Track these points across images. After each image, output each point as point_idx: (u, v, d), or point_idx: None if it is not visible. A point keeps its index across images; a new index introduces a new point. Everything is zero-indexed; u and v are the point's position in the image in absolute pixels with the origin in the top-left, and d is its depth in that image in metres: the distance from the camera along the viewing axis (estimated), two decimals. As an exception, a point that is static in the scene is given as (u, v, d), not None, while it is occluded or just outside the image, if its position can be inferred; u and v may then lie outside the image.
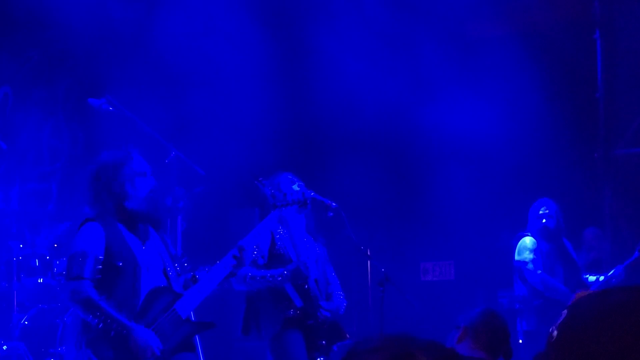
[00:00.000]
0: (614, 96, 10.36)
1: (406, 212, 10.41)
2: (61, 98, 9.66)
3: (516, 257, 8.29)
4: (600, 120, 10.40)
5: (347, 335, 6.54)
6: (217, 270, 5.47)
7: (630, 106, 10.30)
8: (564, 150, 10.19)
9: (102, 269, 5.19)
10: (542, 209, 8.32)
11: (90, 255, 5.17)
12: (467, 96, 10.28)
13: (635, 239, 9.12)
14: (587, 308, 1.82)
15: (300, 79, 10.31)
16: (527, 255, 8.19)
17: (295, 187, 6.38)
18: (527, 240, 8.28)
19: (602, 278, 8.51)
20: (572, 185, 9.91)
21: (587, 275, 8.65)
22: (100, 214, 5.34)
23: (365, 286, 8.69)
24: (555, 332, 1.81)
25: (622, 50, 10.29)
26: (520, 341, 8.17)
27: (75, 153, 9.85)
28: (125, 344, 5.06)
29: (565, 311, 1.84)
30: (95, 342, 5.09)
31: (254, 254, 5.89)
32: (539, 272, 8.10)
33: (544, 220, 8.27)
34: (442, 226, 10.26)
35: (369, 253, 7.19)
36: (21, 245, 8.23)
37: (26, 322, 8.00)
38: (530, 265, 8.15)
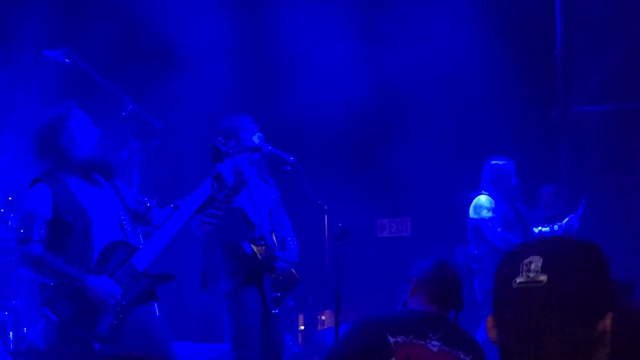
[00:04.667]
0: (573, 54, 10.38)
1: (363, 169, 10.41)
2: (15, 49, 9.53)
3: (472, 215, 8.27)
4: (558, 78, 10.44)
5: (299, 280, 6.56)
6: (186, 207, 5.50)
7: (589, 64, 10.34)
8: (521, 108, 10.23)
9: (52, 227, 5.16)
10: (512, 173, 8.32)
11: (37, 217, 5.14)
12: (424, 54, 10.26)
13: (592, 197, 9.22)
14: (556, 249, 1.92)
15: (260, 32, 10.24)
16: (486, 214, 8.17)
17: (255, 139, 6.34)
18: (484, 199, 8.23)
19: (556, 227, 8.62)
20: (529, 142, 9.97)
21: (540, 227, 8.72)
22: (48, 171, 5.31)
23: (322, 241, 8.70)
24: (542, 277, 1.87)
25: (581, 7, 10.29)
26: (480, 299, 8.23)
27: (30, 105, 9.72)
28: (84, 298, 5.02)
29: (536, 257, 1.90)
30: (52, 300, 5.05)
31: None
32: (499, 229, 8.10)
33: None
34: (398, 183, 10.28)
35: (326, 208, 7.16)
36: (-26, 198, 8.15)
37: (-20, 275, 7.95)
38: (490, 224, 8.15)
